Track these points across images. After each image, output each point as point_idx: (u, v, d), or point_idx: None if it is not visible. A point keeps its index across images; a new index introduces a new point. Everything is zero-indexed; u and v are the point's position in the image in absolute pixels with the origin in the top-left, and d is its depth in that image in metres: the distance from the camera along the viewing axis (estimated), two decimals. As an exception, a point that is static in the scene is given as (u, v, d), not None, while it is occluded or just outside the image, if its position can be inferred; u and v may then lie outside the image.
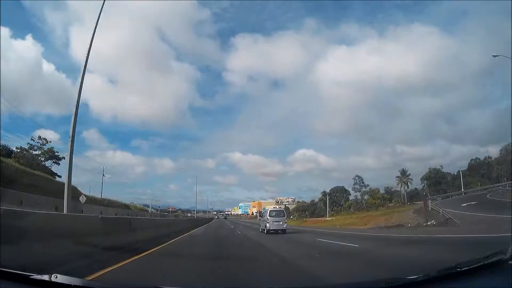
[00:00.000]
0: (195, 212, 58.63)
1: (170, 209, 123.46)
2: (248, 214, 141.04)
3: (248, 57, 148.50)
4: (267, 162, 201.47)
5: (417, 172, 70.70)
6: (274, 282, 4.85)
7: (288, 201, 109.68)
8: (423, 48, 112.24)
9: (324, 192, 77.12)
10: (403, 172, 62.40)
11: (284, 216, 20.31)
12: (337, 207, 68.82)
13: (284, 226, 19.44)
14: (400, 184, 61.59)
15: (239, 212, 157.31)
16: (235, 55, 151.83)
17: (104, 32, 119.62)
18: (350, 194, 72.58)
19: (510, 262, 2.10)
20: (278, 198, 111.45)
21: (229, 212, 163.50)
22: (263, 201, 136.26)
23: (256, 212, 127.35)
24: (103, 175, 57.13)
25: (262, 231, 20.47)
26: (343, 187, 73.67)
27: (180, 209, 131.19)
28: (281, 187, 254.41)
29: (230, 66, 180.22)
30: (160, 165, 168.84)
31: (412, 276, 2.18)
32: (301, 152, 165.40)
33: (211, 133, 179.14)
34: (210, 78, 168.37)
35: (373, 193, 64.24)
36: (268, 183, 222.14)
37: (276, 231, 18.90)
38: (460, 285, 2.10)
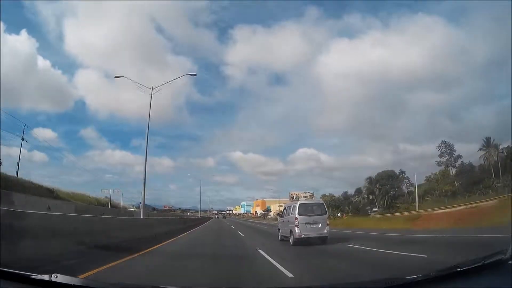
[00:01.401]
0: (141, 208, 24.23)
1: (167, 208, 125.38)
2: (251, 213, 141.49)
3: (247, 49, 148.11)
4: (267, 161, 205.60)
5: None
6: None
7: (306, 196, 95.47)
8: (428, 39, 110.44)
9: (370, 178, 58.39)
10: (488, 141, 45.88)
11: (325, 213, 12.98)
12: (393, 198, 53.20)
13: (325, 231, 12.52)
14: (486, 157, 45.67)
15: (241, 211, 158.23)
16: (234, 47, 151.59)
17: (99, 24, 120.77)
18: (404, 181, 58.24)
19: (510, 262, 2.19)
20: (293, 193, 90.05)
21: (230, 211, 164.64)
22: (268, 199, 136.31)
23: (263, 212, 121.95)
24: (22, 138, 41.05)
25: (283, 240, 14.18)
26: (392, 171, 57.06)
27: (180, 208, 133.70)
28: (282, 186, 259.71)
29: (228, 59, 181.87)
30: (159, 164, 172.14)
31: (412, 276, 2.31)
32: (302, 151, 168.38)
33: (210, 132, 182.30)
34: (209, 73, 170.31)
35: (443, 175, 47.90)
36: (268, 182, 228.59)
37: (307, 240, 12.10)
38: (460, 285, 2.19)
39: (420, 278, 2.28)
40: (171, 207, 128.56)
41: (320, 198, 78.40)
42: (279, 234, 15.08)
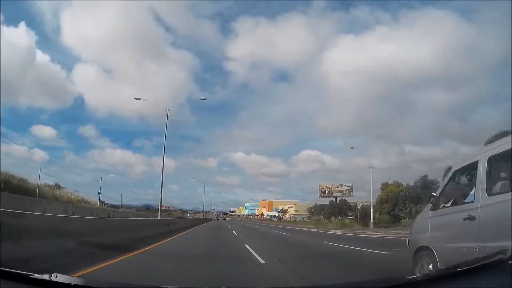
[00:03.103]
0: None
1: (164, 208, 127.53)
2: (257, 215, 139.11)
3: (250, 42, 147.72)
4: (270, 162, 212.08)
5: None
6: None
7: (342, 191, 69.60)
8: (438, 35, 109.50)
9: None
10: None
11: None
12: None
13: None
14: None
15: (245, 213, 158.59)
16: (236, 40, 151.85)
17: (96, 16, 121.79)
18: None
19: (510, 262, 2.31)
20: (324, 185, 72.54)
21: (233, 213, 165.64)
22: (275, 200, 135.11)
23: (279, 213, 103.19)
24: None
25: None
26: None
27: (181, 209, 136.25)
28: (285, 188, 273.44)
29: (230, 53, 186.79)
30: (159, 164, 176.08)
31: (412, 276, 2.49)
32: (305, 153, 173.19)
33: (212, 132, 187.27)
34: (210, 70, 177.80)
35: None
36: (271, 184, 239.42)
37: None
38: (460, 285, 2.31)
39: (420, 278, 2.43)
40: (168, 207, 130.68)
41: (380, 189, 48.53)
42: (421, 259, 4.79)
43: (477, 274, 2.38)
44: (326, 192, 71.72)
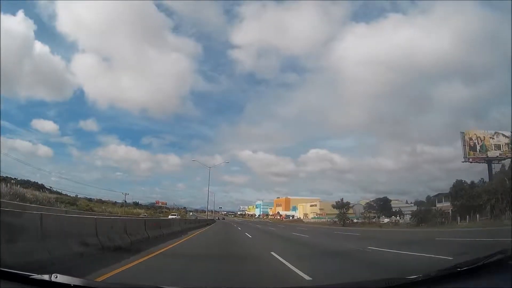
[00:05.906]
0: None
1: (159, 204, 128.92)
2: (272, 215, 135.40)
3: (256, 30, 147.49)
4: (278, 161, 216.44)
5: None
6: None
7: (500, 145, 45.39)
8: (457, 23, 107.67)
9: None
10: None
11: None
12: None
13: None
14: None
15: (256, 212, 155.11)
16: (242, 27, 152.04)
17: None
18: None
19: (510, 262, 2.46)
20: (471, 134, 48.09)
21: (243, 213, 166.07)
22: (293, 197, 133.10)
23: (339, 208, 60.14)
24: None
25: None
26: None
27: (185, 207, 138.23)
28: (292, 188, 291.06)
29: (236, 41, 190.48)
30: (165, 161, 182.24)
31: (412, 276, 2.73)
32: (314, 152, 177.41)
33: (218, 128, 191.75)
34: (215, 59, 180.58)
35: None
36: (278, 184, 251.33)
37: None
38: (460, 285, 2.47)
39: (420, 278, 2.58)
40: (165, 204, 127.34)
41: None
42: None
43: (477, 274, 2.53)
44: (478, 148, 43.19)
